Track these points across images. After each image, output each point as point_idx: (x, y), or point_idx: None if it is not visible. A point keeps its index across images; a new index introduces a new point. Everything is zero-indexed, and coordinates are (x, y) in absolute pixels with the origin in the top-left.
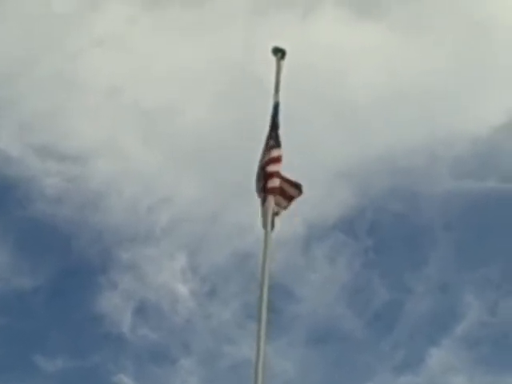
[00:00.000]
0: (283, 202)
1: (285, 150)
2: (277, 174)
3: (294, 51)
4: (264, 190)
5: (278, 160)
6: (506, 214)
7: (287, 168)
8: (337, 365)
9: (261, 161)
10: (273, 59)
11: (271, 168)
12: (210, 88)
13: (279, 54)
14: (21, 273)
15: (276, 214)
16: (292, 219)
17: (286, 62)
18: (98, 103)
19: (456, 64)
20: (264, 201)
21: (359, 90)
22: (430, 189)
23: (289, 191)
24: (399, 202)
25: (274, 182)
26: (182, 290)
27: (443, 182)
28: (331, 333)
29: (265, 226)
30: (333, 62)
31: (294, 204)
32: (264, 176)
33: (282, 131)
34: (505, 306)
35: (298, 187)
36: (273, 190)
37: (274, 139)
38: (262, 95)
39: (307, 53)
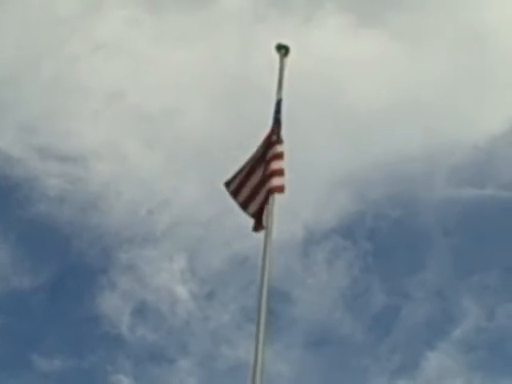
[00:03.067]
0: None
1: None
2: (281, 172)
3: (295, 57)
4: (269, 189)
5: (281, 156)
6: (504, 221)
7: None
8: (334, 368)
9: (260, 154)
10: (274, 62)
11: (276, 165)
12: (210, 91)
13: (283, 51)
14: (21, 272)
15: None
16: (291, 223)
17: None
18: (99, 106)
19: (456, 73)
20: (265, 199)
21: (359, 98)
22: (428, 195)
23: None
24: (398, 208)
25: (280, 181)
26: (181, 291)
27: (441, 189)
28: (329, 336)
29: (266, 226)
30: (333, 69)
31: (294, 207)
32: (269, 173)
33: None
34: (502, 311)
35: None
36: (279, 189)
37: (276, 135)
38: (262, 98)
39: (307, 59)
